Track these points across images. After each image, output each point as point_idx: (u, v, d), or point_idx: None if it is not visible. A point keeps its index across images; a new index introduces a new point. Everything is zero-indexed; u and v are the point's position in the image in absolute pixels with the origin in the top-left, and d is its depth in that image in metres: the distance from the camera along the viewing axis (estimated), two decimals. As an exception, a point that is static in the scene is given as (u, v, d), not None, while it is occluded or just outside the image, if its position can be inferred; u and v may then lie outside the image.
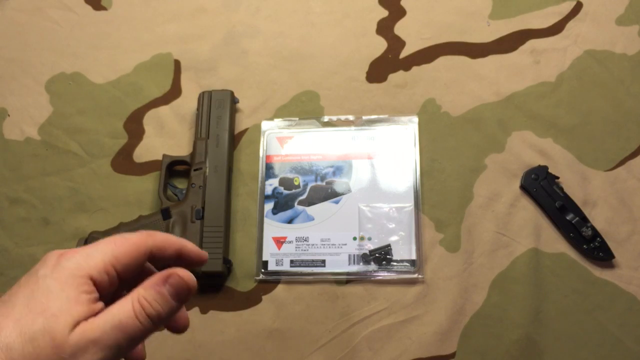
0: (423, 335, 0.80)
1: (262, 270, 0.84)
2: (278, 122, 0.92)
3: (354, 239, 0.84)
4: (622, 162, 0.86)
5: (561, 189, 0.84)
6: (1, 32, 1.02)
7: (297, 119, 0.92)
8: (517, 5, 0.97)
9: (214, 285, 0.84)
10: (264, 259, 0.84)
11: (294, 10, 1.00)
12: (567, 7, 0.96)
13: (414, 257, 0.82)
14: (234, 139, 0.92)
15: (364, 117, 0.91)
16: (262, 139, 0.91)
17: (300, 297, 0.83)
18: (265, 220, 0.86)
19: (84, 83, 0.97)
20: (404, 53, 0.95)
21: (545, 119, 0.89)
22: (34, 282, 0.41)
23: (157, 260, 0.47)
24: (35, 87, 0.97)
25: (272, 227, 0.86)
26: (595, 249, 0.81)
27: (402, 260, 0.82)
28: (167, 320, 0.45)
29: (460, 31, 0.96)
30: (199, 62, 0.97)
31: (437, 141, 0.90)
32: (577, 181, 0.85)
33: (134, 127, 0.94)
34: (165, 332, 0.82)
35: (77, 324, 0.39)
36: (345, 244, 0.84)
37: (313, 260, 0.83)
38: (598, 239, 0.81)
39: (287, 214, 0.86)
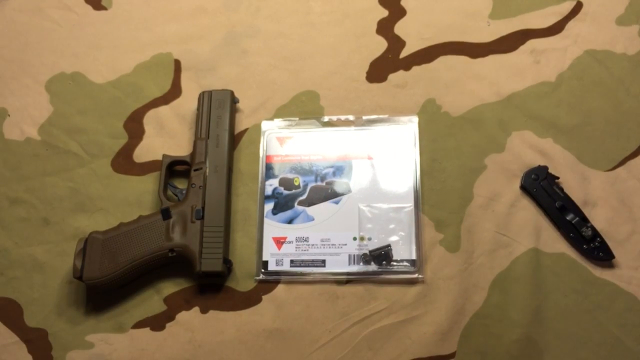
0: (423, 335, 0.80)
1: (262, 270, 0.84)
2: (278, 122, 0.92)
3: (354, 239, 0.84)
4: (622, 162, 0.86)
5: (561, 189, 0.84)
6: (1, 32, 1.02)
7: (297, 119, 0.92)
8: (517, 5, 0.97)
9: (214, 285, 0.84)
10: (264, 259, 0.84)
11: (294, 10, 1.00)
12: (567, 7, 0.96)
13: (414, 257, 0.82)
14: (234, 139, 0.92)
15: (364, 117, 0.91)
16: (262, 139, 0.91)
17: (300, 297, 0.83)
18: (265, 220, 0.86)
19: (84, 83, 0.97)
20: (404, 53, 0.95)
21: (545, 119, 0.89)
22: None
23: None
24: (35, 87, 0.97)
25: (272, 227, 0.86)
26: (595, 249, 0.81)
27: (402, 260, 0.82)
28: None
29: (460, 31, 0.96)
30: (199, 62, 0.97)
31: (437, 141, 0.90)
32: (577, 181, 0.85)
33: (134, 127, 0.94)
34: (166, 331, 0.82)
35: None
36: (345, 244, 0.84)
37: (313, 261, 0.83)
38: (598, 239, 0.81)
39: (287, 214, 0.86)
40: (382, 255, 0.83)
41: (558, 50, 0.93)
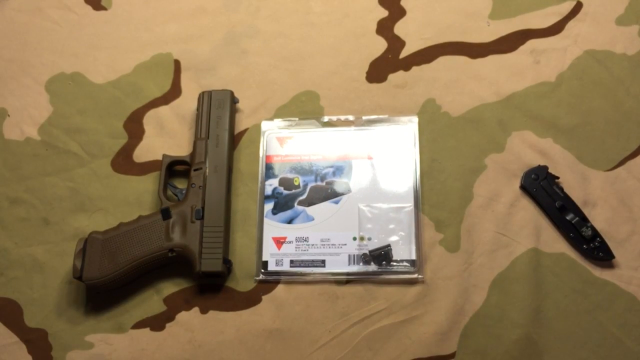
0: (423, 335, 0.80)
1: (262, 270, 0.84)
2: (278, 122, 0.92)
3: (354, 239, 0.84)
4: (622, 162, 0.86)
5: (561, 189, 0.84)
6: (1, 32, 1.02)
7: (297, 119, 0.92)
8: (517, 5, 0.97)
9: (213, 286, 0.84)
10: (264, 259, 0.84)
11: (294, 10, 1.00)
12: (567, 7, 0.96)
13: (414, 257, 0.82)
14: (234, 139, 0.92)
15: (364, 117, 0.91)
16: (262, 139, 0.91)
17: (300, 297, 0.83)
18: (265, 220, 0.86)
19: (84, 83, 0.97)
20: (404, 53, 0.95)
21: (545, 119, 0.89)
22: None
23: None
24: (35, 87, 0.97)
25: (272, 227, 0.86)
26: (595, 249, 0.81)
27: (402, 260, 0.82)
28: None
29: (460, 31, 0.96)
30: (199, 62, 0.97)
31: (437, 141, 0.90)
32: (577, 181, 0.85)
33: (134, 127, 0.94)
34: (166, 332, 0.82)
35: None
36: (345, 244, 0.84)
37: (313, 261, 0.83)
38: (598, 239, 0.81)
39: (287, 214, 0.86)
40: (382, 255, 0.83)
41: (558, 50, 0.93)
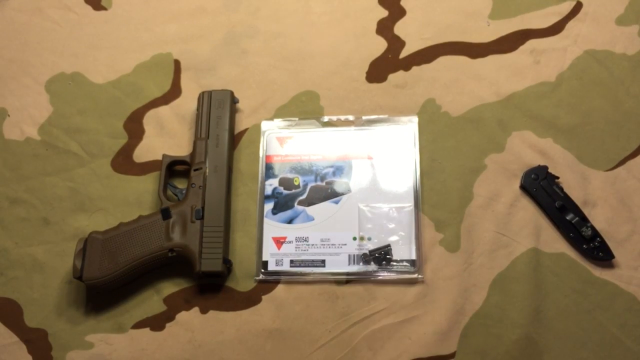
0: (423, 335, 0.80)
1: (262, 270, 0.84)
2: (278, 122, 0.92)
3: (354, 239, 0.84)
4: (622, 162, 0.86)
5: (561, 189, 0.84)
6: (1, 32, 1.02)
7: (297, 119, 0.92)
8: (517, 5, 0.97)
9: (213, 285, 0.84)
10: (264, 259, 0.84)
11: (294, 10, 1.00)
12: (567, 7, 0.96)
13: (413, 257, 0.82)
14: (234, 139, 0.92)
15: (364, 117, 0.91)
16: (262, 139, 0.91)
17: (300, 297, 0.83)
18: (265, 220, 0.86)
19: (84, 83, 0.97)
20: (404, 53, 0.95)
21: (545, 119, 0.89)
22: None
23: None
24: (35, 87, 0.97)
25: (272, 227, 0.86)
26: (595, 249, 0.81)
27: (402, 260, 0.82)
28: None
29: (460, 31, 0.96)
30: (199, 62, 0.97)
31: (437, 141, 0.90)
32: (577, 181, 0.85)
33: (134, 127, 0.94)
34: (166, 332, 0.82)
35: None
36: (345, 244, 0.84)
37: (313, 261, 0.83)
38: (598, 239, 0.81)
39: (287, 214, 0.86)
40: (382, 255, 0.83)
41: (558, 50, 0.93)
